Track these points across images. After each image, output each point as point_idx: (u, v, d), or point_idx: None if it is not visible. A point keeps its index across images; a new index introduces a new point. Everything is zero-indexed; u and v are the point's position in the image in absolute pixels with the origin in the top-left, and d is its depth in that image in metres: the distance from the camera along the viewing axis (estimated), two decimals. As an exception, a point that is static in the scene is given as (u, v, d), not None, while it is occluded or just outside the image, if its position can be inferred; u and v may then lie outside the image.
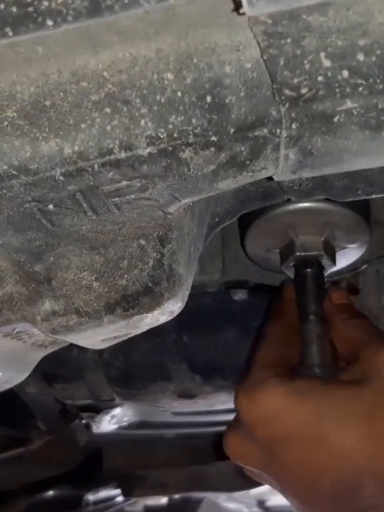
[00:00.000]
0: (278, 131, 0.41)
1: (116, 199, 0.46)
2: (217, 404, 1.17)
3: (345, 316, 0.78)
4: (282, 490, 0.68)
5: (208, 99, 0.40)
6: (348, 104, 0.39)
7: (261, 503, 1.80)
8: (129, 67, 0.39)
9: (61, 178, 0.42)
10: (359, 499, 0.60)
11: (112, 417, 1.33)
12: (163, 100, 0.39)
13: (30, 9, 0.32)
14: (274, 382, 0.65)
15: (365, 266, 0.90)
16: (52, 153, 0.41)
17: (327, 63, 0.38)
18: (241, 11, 0.32)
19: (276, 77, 0.38)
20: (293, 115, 0.40)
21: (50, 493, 1.59)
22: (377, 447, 0.59)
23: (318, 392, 0.64)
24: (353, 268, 0.89)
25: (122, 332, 0.60)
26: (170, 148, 0.41)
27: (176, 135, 0.40)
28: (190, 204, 0.52)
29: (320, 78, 0.38)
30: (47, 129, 0.40)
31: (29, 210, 0.46)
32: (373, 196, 0.62)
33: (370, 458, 0.59)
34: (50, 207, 0.46)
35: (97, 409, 1.30)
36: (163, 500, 1.79)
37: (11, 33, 0.33)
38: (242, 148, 0.42)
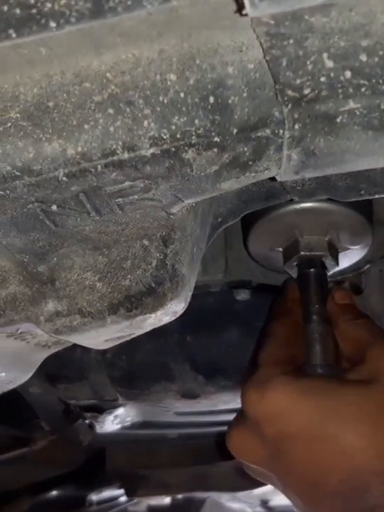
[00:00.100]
0: (281, 131, 0.41)
1: (120, 200, 0.46)
2: (220, 405, 1.17)
3: (348, 317, 0.78)
4: (285, 489, 0.68)
5: (211, 99, 0.40)
6: (351, 104, 0.39)
7: (264, 503, 1.80)
8: (131, 68, 0.39)
9: (64, 178, 0.42)
10: (367, 498, 0.60)
11: (115, 417, 1.33)
12: (166, 101, 0.40)
13: (34, 11, 0.32)
14: (283, 379, 0.65)
15: (368, 266, 0.90)
16: (56, 154, 0.41)
17: (330, 64, 0.38)
18: (243, 13, 0.32)
19: (278, 77, 0.39)
20: (296, 116, 0.40)
21: (54, 493, 1.59)
22: None
23: (326, 391, 0.64)
24: (355, 268, 0.89)
25: (125, 332, 0.60)
26: (173, 149, 0.41)
27: (178, 136, 0.40)
28: (193, 204, 0.53)
29: (322, 79, 0.38)
30: (50, 130, 0.40)
31: (32, 211, 0.46)
32: (376, 196, 0.62)
33: (378, 457, 0.59)
34: (54, 207, 0.46)
35: (101, 409, 1.30)
36: (167, 500, 1.79)
37: (14, 35, 0.33)
38: (245, 149, 0.42)
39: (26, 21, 0.32)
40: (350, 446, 0.60)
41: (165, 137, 0.40)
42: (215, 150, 0.42)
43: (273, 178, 0.48)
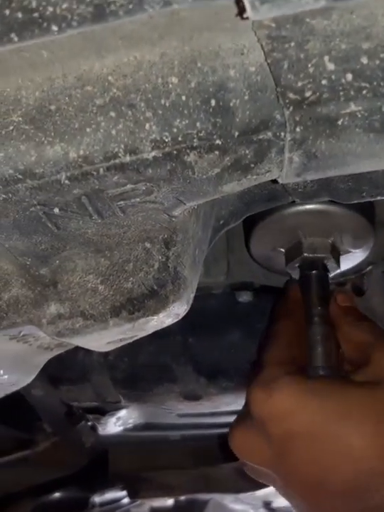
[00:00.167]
0: (282, 134, 0.41)
1: (122, 202, 0.46)
2: (222, 406, 1.17)
3: (351, 319, 0.79)
4: (287, 489, 0.68)
5: (213, 102, 0.40)
6: (352, 107, 0.40)
7: (267, 505, 1.80)
8: (133, 72, 0.39)
9: (66, 181, 0.42)
10: (369, 498, 0.60)
11: (118, 418, 1.33)
12: (167, 104, 0.40)
13: (36, 15, 0.32)
14: (289, 379, 0.65)
15: (370, 267, 0.90)
16: (58, 158, 0.41)
17: (331, 66, 0.38)
18: (245, 16, 0.32)
19: (280, 80, 0.39)
20: (297, 118, 0.40)
21: (56, 495, 1.58)
22: None
23: (332, 392, 0.64)
24: (357, 269, 0.89)
25: (128, 335, 0.60)
26: (175, 152, 0.41)
27: (180, 139, 0.41)
28: (195, 207, 0.53)
29: (324, 81, 0.38)
30: (52, 134, 0.41)
31: (35, 214, 0.46)
32: (378, 198, 0.62)
33: (380, 458, 0.60)
34: (56, 210, 0.46)
35: (103, 411, 1.30)
36: (169, 501, 1.79)
37: (16, 39, 0.33)
38: (247, 152, 0.42)
39: (28, 25, 0.32)
40: (354, 446, 0.61)
41: (167, 140, 0.41)
42: (217, 153, 0.42)
43: (275, 181, 0.48)
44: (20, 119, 0.40)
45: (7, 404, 0.96)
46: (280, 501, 1.71)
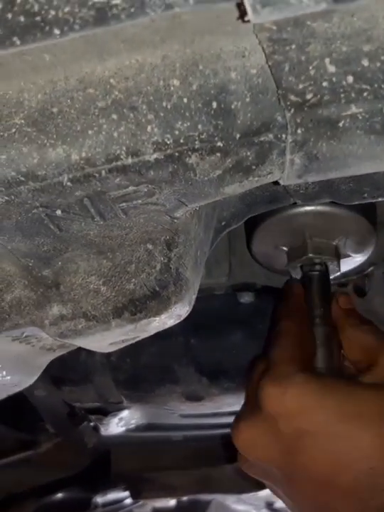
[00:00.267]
0: (283, 136, 0.41)
1: (124, 204, 0.46)
2: (224, 407, 1.17)
3: (354, 322, 0.79)
4: (290, 488, 0.67)
5: (214, 105, 0.40)
6: (353, 109, 0.40)
7: (269, 505, 1.79)
8: (135, 74, 0.39)
9: (69, 184, 0.42)
10: (378, 497, 0.61)
11: (120, 419, 1.33)
12: (169, 106, 0.40)
13: (38, 18, 0.32)
14: (304, 377, 0.65)
15: (371, 268, 0.90)
16: (60, 160, 0.41)
17: (332, 69, 0.38)
18: (246, 19, 0.33)
19: (281, 82, 0.39)
20: (298, 120, 0.40)
21: (59, 495, 1.59)
22: None
23: (346, 391, 0.64)
24: (359, 270, 0.89)
25: (130, 336, 0.60)
26: (176, 154, 0.41)
27: (182, 141, 0.41)
28: (197, 208, 0.53)
29: (325, 84, 0.39)
30: (54, 136, 0.41)
31: (37, 216, 0.46)
32: (379, 199, 0.62)
33: None
34: (58, 212, 0.46)
35: (105, 412, 1.30)
36: (172, 502, 1.79)
37: (18, 42, 0.33)
38: (248, 154, 0.43)
39: (30, 29, 0.33)
40: (366, 445, 0.61)
41: (168, 142, 0.41)
42: (219, 155, 0.42)
43: (276, 182, 0.48)
44: (22, 121, 0.40)
45: (10, 405, 0.96)
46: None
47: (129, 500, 1.70)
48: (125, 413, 1.31)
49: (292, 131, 0.41)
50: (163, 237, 0.53)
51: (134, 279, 0.54)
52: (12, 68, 0.39)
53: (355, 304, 0.84)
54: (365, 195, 0.62)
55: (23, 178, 0.42)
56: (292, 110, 0.40)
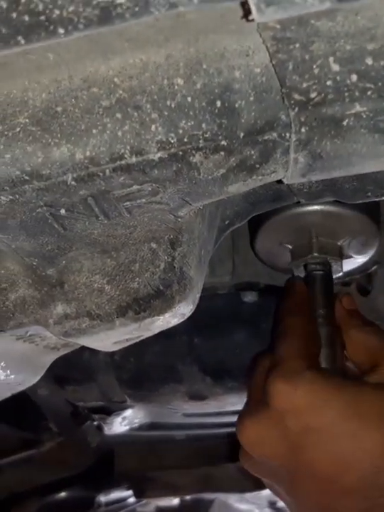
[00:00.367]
0: (287, 135, 0.41)
1: (128, 203, 0.47)
2: (228, 406, 1.17)
3: (357, 322, 0.79)
4: (294, 487, 0.67)
5: (218, 103, 0.40)
6: (357, 107, 0.40)
7: (272, 504, 1.80)
8: (139, 73, 0.39)
9: (73, 183, 0.42)
10: (380, 497, 0.61)
11: (124, 418, 1.33)
12: (173, 105, 0.40)
13: (42, 18, 0.32)
14: (314, 374, 0.65)
15: (375, 267, 0.90)
16: (64, 159, 0.41)
17: (336, 67, 0.38)
18: (250, 18, 0.33)
19: (285, 81, 0.39)
20: (302, 119, 0.40)
21: (62, 494, 1.59)
22: None
23: (352, 391, 0.64)
24: (363, 269, 0.89)
25: (134, 335, 0.60)
26: (180, 153, 0.41)
27: (186, 140, 0.41)
28: (201, 207, 0.53)
29: (329, 82, 0.39)
30: (59, 135, 0.41)
31: (41, 215, 0.46)
32: (383, 198, 0.62)
33: None
34: (62, 211, 0.46)
35: (109, 411, 1.31)
36: (175, 501, 1.79)
37: (23, 41, 0.33)
38: (252, 152, 0.43)
39: (35, 28, 0.33)
40: (372, 445, 0.61)
41: (172, 141, 0.41)
42: (222, 153, 0.42)
43: (280, 181, 0.48)
44: (27, 120, 0.40)
45: (13, 404, 0.96)
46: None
47: (132, 499, 1.71)
48: (128, 412, 1.31)
49: (296, 130, 0.41)
50: (167, 236, 0.53)
51: (138, 278, 0.54)
52: (16, 67, 0.39)
53: (358, 305, 0.84)
54: (369, 194, 0.62)
55: (27, 177, 0.42)
56: (296, 109, 0.40)
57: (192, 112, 0.40)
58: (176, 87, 0.39)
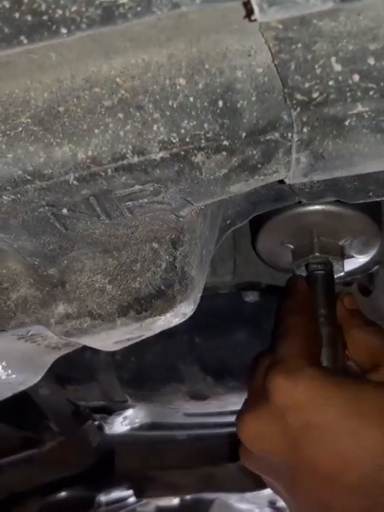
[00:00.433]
0: (289, 135, 0.41)
1: (129, 203, 0.47)
2: (229, 406, 1.17)
3: (358, 322, 0.79)
4: (294, 483, 0.67)
5: (220, 103, 0.40)
6: (359, 107, 0.40)
7: (272, 504, 1.80)
8: (141, 73, 0.39)
9: (75, 182, 0.42)
10: (381, 495, 0.61)
11: (125, 418, 1.33)
12: (175, 105, 0.40)
13: (45, 17, 0.32)
14: (315, 371, 0.65)
15: (376, 267, 0.90)
16: (66, 159, 0.41)
17: (338, 67, 0.38)
18: (253, 18, 0.33)
19: (287, 81, 0.39)
20: (304, 119, 0.40)
21: (63, 494, 1.59)
22: None
23: (354, 388, 0.64)
24: (364, 269, 0.89)
25: (135, 334, 0.61)
26: (182, 153, 0.41)
27: (188, 140, 0.41)
28: (202, 207, 0.53)
29: (331, 82, 0.39)
30: (61, 135, 0.41)
31: (43, 215, 0.46)
32: (384, 198, 0.62)
33: None
34: (64, 211, 0.46)
35: (110, 411, 1.31)
36: (175, 501, 1.79)
37: (25, 41, 0.33)
38: (254, 152, 0.43)
39: (37, 28, 0.33)
40: (373, 443, 0.61)
41: (174, 141, 0.41)
42: (224, 153, 0.42)
43: (282, 181, 0.48)
44: (29, 120, 0.40)
45: (14, 403, 0.96)
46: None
47: (132, 499, 1.71)
48: (129, 412, 1.31)
49: (298, 130, 0.41)
50: (168, 236, 0.53)
51: (139, 278, 0.54)
52: (18, 67, 0.39)
53: (359, 305, 0.84)
54: (370, 193, 0.62)
55: (29, 177, 0.42)
56: (298, 109, 0.40)
57: (194, 111, 0.40)
58: (178, 87, 0.39)
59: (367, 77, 0.38)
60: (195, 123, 0.40)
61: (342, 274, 0.83)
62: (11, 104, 0.40)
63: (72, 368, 1.12)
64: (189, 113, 0.40)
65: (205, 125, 0.40)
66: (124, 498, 1.70)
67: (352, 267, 0.86)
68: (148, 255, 0.54)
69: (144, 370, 1.09)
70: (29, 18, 0.32)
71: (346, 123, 0.41)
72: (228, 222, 0.67)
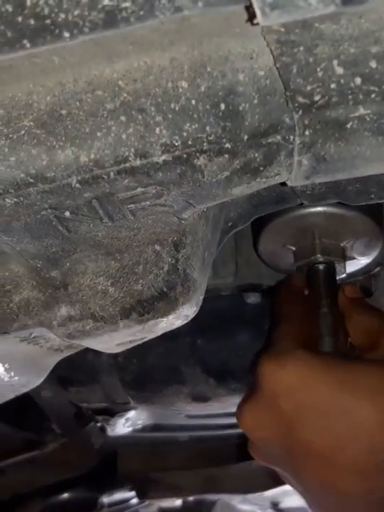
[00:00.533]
0: (291, 137, 0.41)
1: (132, 206, 0.47)
2: (231, 407, 1.17)
3: (360, 308, 0.79)
4: (297, 468, 0.65)
5: (222, 106, 0.40)
6: (361, 110, 0.40)
7: (275, 505, 1.79)
8: (143, 76, 0.39)
9: (77, 185, 0.43)
10: (381, 477, 0.60)
11: (127, 420, 1.33)
12: (177, 108, 0.40)
13: (48, 21, 0.32)
14: (302, 352, 0.65)
15: (378, 268, 0.90)
16: (69, 162, 0.41)
17: (340, 70, 0.38)
18: (255, 22, 0.33)
19: (289, 84, 0.39)
20: (306, 122, 0.40)
21: (65, 495, 1.59)
22: None
23: (345, 366, 0.63)
24: (366, 271, 0.89)
25: (137, 336, 0.61)
26: (184, 156, 0.42)
27: (190, 142, 0.41)
28: (204, 210, 0.53)
29: (333, 85, 0.39)
30: (63, 138, 0.41)
31: (46, 217, 0.46)
32: (386, 200, 0.62)
33: None
34: (67, 214, 0.46)
35: (112, 413, 1.31)
36: (178, 502, 1.79)
37: (28, 45, 0.33)
38: (256, 155, 0.43)
39: (40, 31, 0.33)
40: (367, 420, 0.60)
41: (176, 144, 0.41)
42: (226, 156, 0.42)
43: (283, 183, 0.48)
44: (31, 123, 0.40)
45: (16, 405, 0.96)
46: (288, 501, 1.71)
47: (135, 501, 1.71)
48: (132, 413, 1.31)
49: (300, 133, 0.41)
50: (170, 238, 0.53)
51: (141, 280, 0.55)
52: (21, 70, 0.39)
53: (361, 293, 0.84)
54: (372, 195, 0.62)
55: (32, 180, 0.42)
56: (300, 112, 0.40)
57: (196, 114, 0.40)
58: (180, 89, 0.40)
59: (369, 80, 0.38)
60: (197, 126, 0.40)
61: (344, 275, 0.83)
62: (14, 107, 0.40)
63: (75, 370, 1.12)
64: (191, 116, 0.40)
65: (208, 128, 0.40)
66: (127, 500, 1.70)
67: (354, 269, 0.86)
68: (151, 257, 0.54)
69: (146, 372, 1.09)
70: (32, 22, 0.32)
71: (348, 126, 0.41)
72: (230, 224, 0.67)
